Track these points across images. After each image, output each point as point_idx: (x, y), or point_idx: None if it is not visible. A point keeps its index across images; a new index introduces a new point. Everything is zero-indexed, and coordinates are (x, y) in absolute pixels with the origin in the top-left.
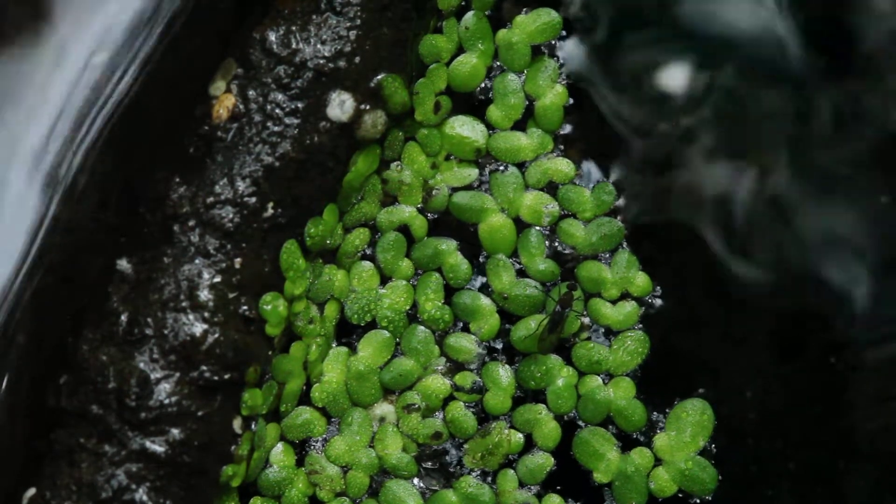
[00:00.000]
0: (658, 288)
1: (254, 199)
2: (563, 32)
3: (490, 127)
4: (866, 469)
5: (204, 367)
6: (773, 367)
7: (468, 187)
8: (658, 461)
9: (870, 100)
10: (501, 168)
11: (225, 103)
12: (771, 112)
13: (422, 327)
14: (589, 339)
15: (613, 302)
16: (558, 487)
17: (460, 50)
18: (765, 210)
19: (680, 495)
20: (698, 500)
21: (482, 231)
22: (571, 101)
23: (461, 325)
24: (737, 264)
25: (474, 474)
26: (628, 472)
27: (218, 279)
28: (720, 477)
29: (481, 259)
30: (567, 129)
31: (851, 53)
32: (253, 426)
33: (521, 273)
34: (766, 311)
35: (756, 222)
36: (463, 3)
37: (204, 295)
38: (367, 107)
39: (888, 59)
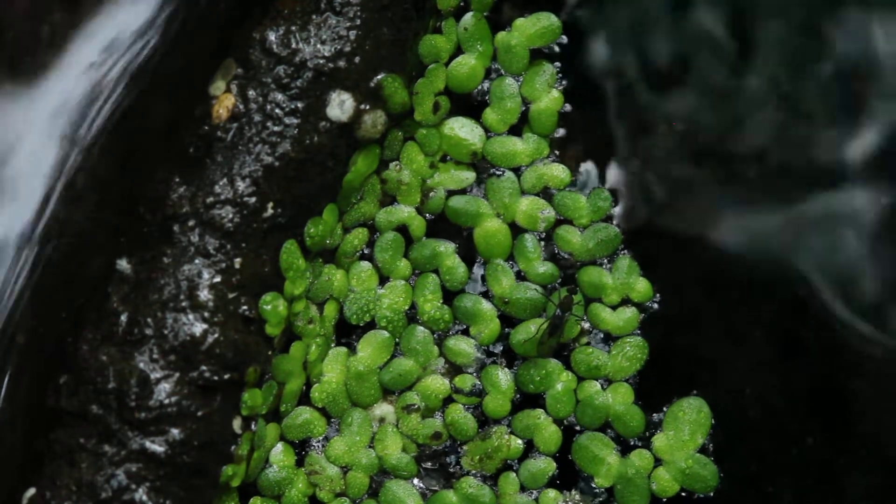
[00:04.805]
0: (657, 294)
1: (254, 199)
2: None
3: (486, 130)
4: (866, 468)
5: (204, 367)
6: (773, 366)
7: (464, 191)
8: (658, 461)
9: None
10: (498, 173)
11: (225, 103)
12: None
13: (421, 327)
14: (588, 343)
15: (614, 307)
16: (558, 482)
17: (459, 50)
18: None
19: (683, 494)
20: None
21: (477, 236)
22: (568, 106)
23: (461, 327)
24: (736, 265)
25: (474, 475)
26: (629, 474)
27: (218, 279)
28: (721, 475)
29: (477, 263)
30: (563, 133)
31: None
32: (253, 426)
33: (521, 277)
34: (766, 310)
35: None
36: (462, 4)
37: (204, 295)
38: (367, 107)
39: None
